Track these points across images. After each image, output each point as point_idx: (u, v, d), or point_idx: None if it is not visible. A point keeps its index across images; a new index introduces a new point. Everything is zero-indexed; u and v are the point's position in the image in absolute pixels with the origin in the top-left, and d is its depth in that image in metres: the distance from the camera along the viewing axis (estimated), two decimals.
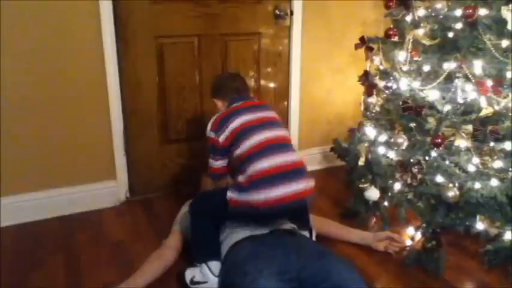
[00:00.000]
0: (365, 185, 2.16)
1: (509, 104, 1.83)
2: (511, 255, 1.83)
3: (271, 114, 1.87)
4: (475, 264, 1.89)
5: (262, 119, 1.79)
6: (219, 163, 1.84)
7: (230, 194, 1.68)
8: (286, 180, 1.65)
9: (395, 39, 2.12)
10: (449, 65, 1.88)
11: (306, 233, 1.88)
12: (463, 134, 1.84)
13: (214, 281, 1.66)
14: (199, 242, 1.75)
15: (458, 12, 1.87)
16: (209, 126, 1.83)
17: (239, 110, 1.81)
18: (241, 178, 1.69)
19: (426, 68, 1.99)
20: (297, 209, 1.77)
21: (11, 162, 2.11)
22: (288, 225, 1.82)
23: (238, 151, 1.72)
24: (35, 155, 2.16)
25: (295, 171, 1.70)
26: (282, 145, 1.75)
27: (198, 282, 1.68)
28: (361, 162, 2.16)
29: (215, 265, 1.67)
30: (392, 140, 2.07)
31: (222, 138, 1.77)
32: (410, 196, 2.03)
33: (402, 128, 2.06)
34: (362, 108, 2.37)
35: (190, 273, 1.70)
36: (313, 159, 2.81)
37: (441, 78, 1.90)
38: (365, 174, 2.17)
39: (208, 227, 1.74)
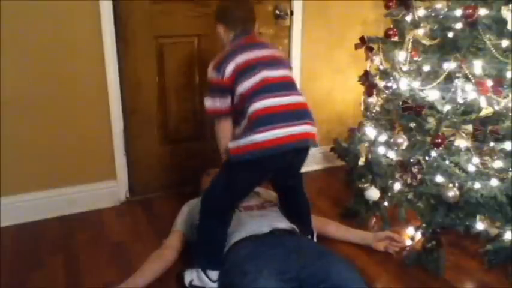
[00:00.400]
0: (365, 185, 2.16)
1: (509, 104, 1.83)
2: (511, 255, 1.83)
3: (275, 52, 1.76)
4: (475, 264, 1.89)
5: (266, 57, 1.68)
6: (218, 102, 1.67)
7: (230, 145, 1.61)
8: (289, 120, 1.58)
9: (395, 39, 2.12)
10: (449, 65, 1.88)
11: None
12: (463, 134, 1.84)
13: (212, 286, 1.66)
14: (203, 247, 1.72)
15: (458, 12, 1.87)
16: (210, 67, 1.70)
17: (242, 47, 1.69)
18: (242, 123, 1.62)
19: (426, 68, 1.99)
20: (301, 151, 1.70)
21: (11, 162, 2.11)
22: (288, 225, 1.82)
23: (240, 90, 1.62)
24: (35, 155, 2.16)
25: (299, 113, 1.63)
26: (286, 85, 1.66)
27: (197, 287, 1.68)
28: (361, 162, 2.16)
29: (214, 273, 1.67)
30: (392, 140, 2.07)
31: (226, 77, 1.63)
32: (410, 196, 2.03)
33: (402, 128, 2.06)
34: (362, 108, 2.37)
35: (189, 276, 1.70)
36: (313, 159, 2.80)
37: (441, 78, 1.90)
38: (365, 174, 2.17)
39: (215, 231, 1.70)
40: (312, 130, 1.66)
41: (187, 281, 1.69)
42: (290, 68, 1.79)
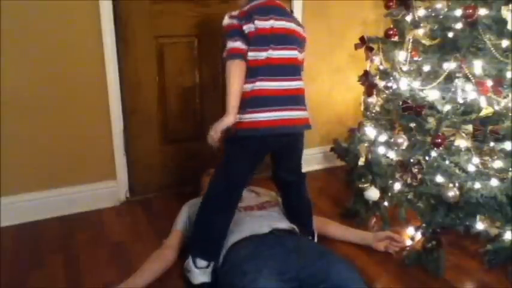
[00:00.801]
0: (365, 185, 2.16)
1: (509, 104, 1.83)
2: (511, 255, 1.83)
3: (290, 25, 1.70)
4: (475, 264, 1.89)
5: (281, 29, 1.66)
6: (239, 44, 1.62)
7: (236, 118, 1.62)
8: (286, 105, 1.63)
9: (395, 39, 2.12)
10: (449, 65, 1.88)
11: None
12: (463, 134, 1.84)
13: (195, 272, 1.67)
14: (199, 235, 1.73)
15: (458, 12, 1.87)
16: (227, 16, 1.67)
17: (261, 8, 1.65)
18: (247, 87, 1.63)
19: (426, 68, 1.99)
20: (296, 136, 1.76)
21: (11, 162, 2.11)
22: (288, 225, 1.82)
23: (252, 55, 1.62)
24: (35, 155, 2.16)
25: (295, 98, 1.68)
26: (288, 68, 1.67)
27: (189, 271, 1.71)
28: (361, 162, 2.16)
29: (202, 262, 1.68)
30: (392, 140, 2.07)
31: (245, 28, 1.61)
32: (410, 196, 2.03)
33: (402, 128, 2.06)
34: (362, 108, 2.37)
35: (187, 262, 1.73)
36: (313, 159, 2.81)
37: (441, 78, 1.90)
38: (365, 174, 2.17)
39: (214, 222, 1.70)
40: (306, 115, 1.71)
41: (184, 266, 1.73)
42: (302, 42, 1.75)
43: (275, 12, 1.67)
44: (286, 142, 1.73)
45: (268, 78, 1.63)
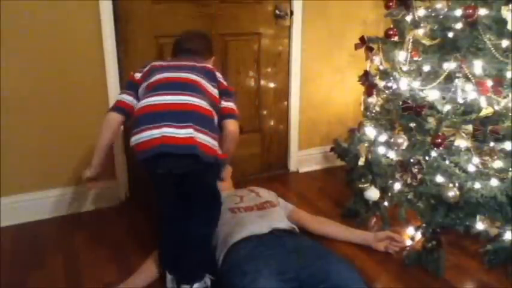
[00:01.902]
0: (365, 185, 2.16)
1: (509, 104, 1.83)
2: (511, 255, 1.83)
3: (195, 77, 1.60)
4: (475, 264, 1.89)
5: (183, 79, 1.59)
6: (127, 97, 1.68)
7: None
8: (167, 121, 1.44)
9: (395, 39, 2.12)
10: (449, 65, 1.88)
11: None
12: (463, 134, 1.84)
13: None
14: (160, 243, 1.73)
15: (458, 12, 1.87)
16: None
17: (165, 67, 1.65)
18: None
19: (426, 68, 1.99)
20: (182, 159, 1.45)
21: (11, 162, 2.11)
22: (288, 225, 1.82)
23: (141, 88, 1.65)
24: (35, 155, 2.16)
25: (183, 113, 1.47)
26: (185, 85, 1.56)
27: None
28: (361, 162, 2.16)
29: (169, 279, 1.65)
30: (392, 140, 2.07)
31: (137, 75, 1.70)
32: (410, 196, 2.03)
33: (402, 128, 2.06)
34: (362, 108, 2.37)
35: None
36: (313, 159, 2.81)
37: (441, 78, 1.90)
38: (365, 174, 2.17)
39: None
40: (197, 136, 1.45)
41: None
42: (212, 89, 1.64)
43: (176, 68, 1.64)
44: (171, 165, 1.48)
45: (154, 95, 1.54)
